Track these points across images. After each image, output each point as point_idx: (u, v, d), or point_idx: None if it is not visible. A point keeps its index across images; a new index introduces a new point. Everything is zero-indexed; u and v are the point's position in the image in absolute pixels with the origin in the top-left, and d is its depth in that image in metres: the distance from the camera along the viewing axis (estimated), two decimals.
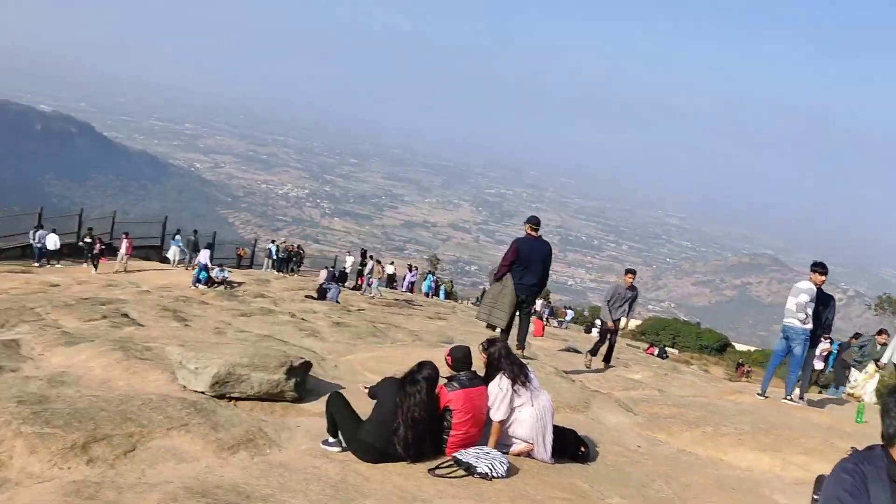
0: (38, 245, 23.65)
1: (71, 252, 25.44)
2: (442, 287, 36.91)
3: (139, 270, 24.57)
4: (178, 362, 6.00)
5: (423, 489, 4.52)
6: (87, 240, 24.43)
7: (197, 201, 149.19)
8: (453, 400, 5.07)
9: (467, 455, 4.95)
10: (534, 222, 8.77)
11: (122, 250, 24.33)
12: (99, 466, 4.25)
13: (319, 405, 6.21)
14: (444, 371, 5.42)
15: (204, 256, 22.97)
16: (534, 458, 5.42)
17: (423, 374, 5.00)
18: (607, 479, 5.43)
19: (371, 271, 26.62)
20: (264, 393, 5.97)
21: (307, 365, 6.45)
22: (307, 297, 21.64)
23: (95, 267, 23.72)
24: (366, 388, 5.52)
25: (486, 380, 5.41)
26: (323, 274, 24.20)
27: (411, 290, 34.89)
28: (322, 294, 21.51)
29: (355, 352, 10.86)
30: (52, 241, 23.24)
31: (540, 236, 8.78)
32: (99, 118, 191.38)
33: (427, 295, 34.06)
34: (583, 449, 5.78)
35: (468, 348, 5.38)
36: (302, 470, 4.56)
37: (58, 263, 23.52)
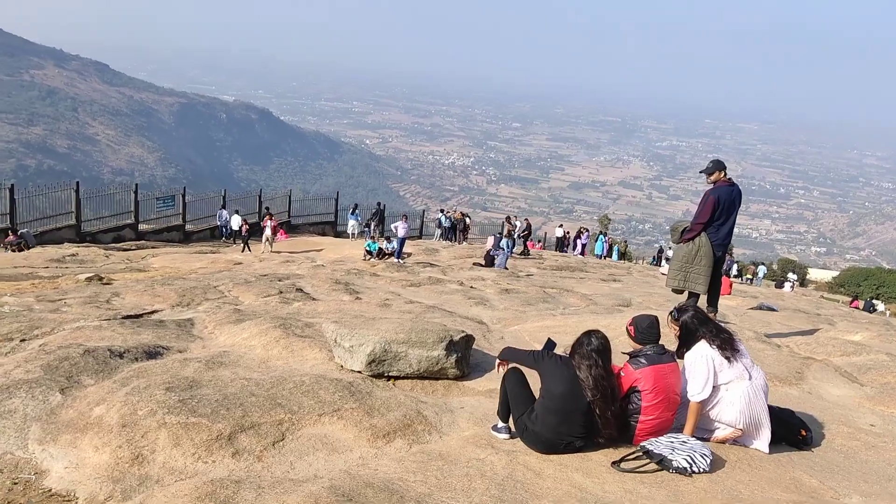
0: (223, 225, 25.27)
1: (253, 231, 26.97)
2: (615, 248, 35.29)
3: (314, 250, 25.43)
4: (333, 340, 5.62)
5: (606, 488, 3.75)
6: (268, 220, 25.75)
7: (369, 176, 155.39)
8: (641, 379, 4.20)
9: (659, 445, 4.09)
10: (724, 167, 7.46)
11: (268, 231, 23.81)
12: (245, 459, 3.90)
13: (485, 382, 5.61)
14: (624, 344, 4.58)
15: (402, 230, 21.80)
16: (742, 446, 4.45)
17: (593, 345, 4.15)
18: (839, 470, 4.35)
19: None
20: (424, 371, 5.45)
21: (468, 339, 5.84)
22: (475, 264, 21.32)
23: (245, 248, 23.46)
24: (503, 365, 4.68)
25: (679, 354, 4.49)
26: (490, 240, 23.76)
27: (583, 254, 33.70)
28: (490, 261, 21.08)
29: (525, 320, 10.20)
30: (236, 222, 24.71)
31: (731, 180, 7.49)
32: (275, 104, 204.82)
33: (600, 257, 32.69)
34: (803, 432, 4.70)
35: (655, 317, 4.46)
36: (464, 463, 3.94)
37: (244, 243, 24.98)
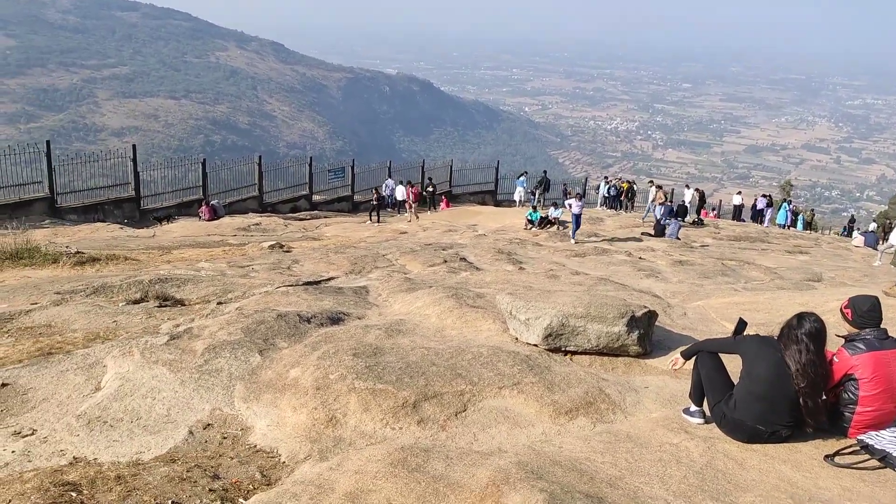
0: (389, 195, 26.12)
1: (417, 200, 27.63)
2: (800, 216, 32.56)
3: (473, 223, 25.61)
4: (509, 312, 5.56)
5: (820, 484, 3.39)
6: (430, 189, 26.15)
7: (527, 143, 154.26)
8: (859, 366, 3.75)
9: (882, 439, 3.64)
10: None
11: (411, 199, 23.47)
12: (430, 428, 3.94)
13: (669, 361, 5.33)
14: (834, 327, 4.12)
15: (577, 207, 19.05)
16: None
17: (805, 328, 3.76)
18: None
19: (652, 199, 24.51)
20: (603, 347, 5.25)
21: (651, 315, 5.54)
22: (644, 234, 20.55)
23: (376, 220, 22.32)
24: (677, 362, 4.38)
25: None
26: (659, 209, 22.77)
27: (760, 222, 31.48)
28: (660, 231, 20.21)
29: (703, 294, 9.64)
30: (400, 192, 25.40)
31: None
32: (436, 74, 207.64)
33: (782, 227, 30.34)
34: None
35: (876, 298, 3.95)
36: (656, 447, 3.73)
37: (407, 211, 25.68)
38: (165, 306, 8.29)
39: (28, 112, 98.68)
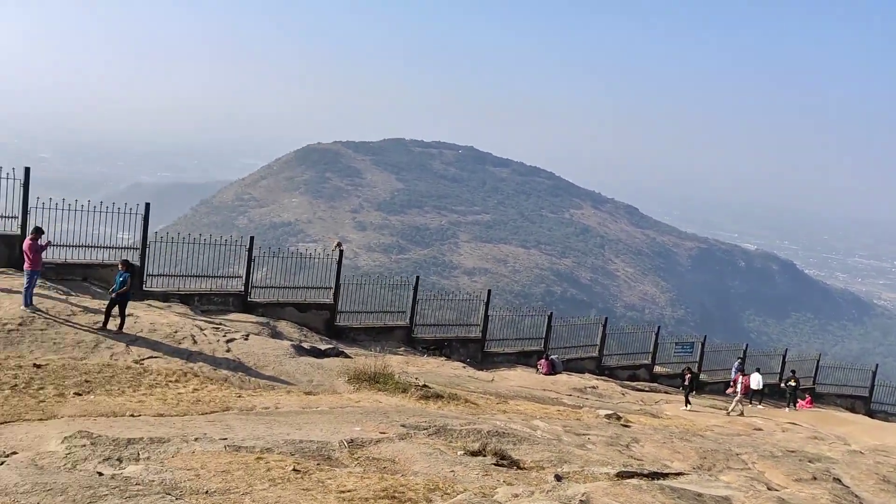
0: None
1: (771, 392, 24.44)
2: None
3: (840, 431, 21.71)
4: None
5: None
6: (792, 383, 23.13)
7: None
8: None
9: None
10: None
11: (739, 389, 20.33)
12: None
13: None
14: None
15: None
16: None
17: None
18: None
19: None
20: None
21: None
22: None
23: (687, 402, 19.44)
24: None
25: None
26: None
27: None
28: None
29: None
30: (756, 380, 22.57)
31: None
32: (801, 256, 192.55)
33: None
34: None
35: None
36: None
37: (759, 404, 22.65)
38: (501, 465, 8.08)
39: (400, 245, 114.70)
